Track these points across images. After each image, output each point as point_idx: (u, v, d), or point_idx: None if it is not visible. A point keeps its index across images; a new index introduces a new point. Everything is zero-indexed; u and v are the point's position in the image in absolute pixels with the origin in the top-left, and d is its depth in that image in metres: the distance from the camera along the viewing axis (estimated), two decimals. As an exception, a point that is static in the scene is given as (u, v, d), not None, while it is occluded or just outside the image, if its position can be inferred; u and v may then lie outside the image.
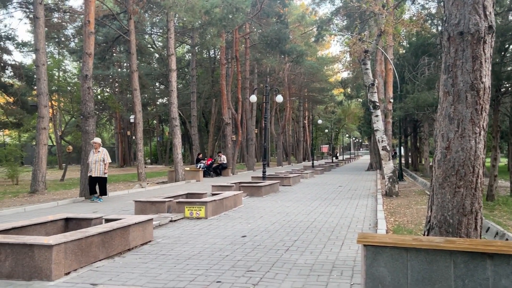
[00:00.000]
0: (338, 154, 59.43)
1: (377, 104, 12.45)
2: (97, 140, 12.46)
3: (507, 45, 11.78)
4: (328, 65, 44.67)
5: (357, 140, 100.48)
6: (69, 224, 6.70)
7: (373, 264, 3.68)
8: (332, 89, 49.16)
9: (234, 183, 13.96)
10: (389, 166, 12.37)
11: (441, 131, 4.55)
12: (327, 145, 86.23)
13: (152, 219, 6.69)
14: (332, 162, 41.30)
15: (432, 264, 3.53)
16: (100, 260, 5.39)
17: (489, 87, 4.43)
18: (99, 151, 12.14)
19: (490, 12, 4.34)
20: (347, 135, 76.22)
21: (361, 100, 36.33)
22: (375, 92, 12.41)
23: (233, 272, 4.77)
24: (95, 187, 12.23)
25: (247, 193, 13.02)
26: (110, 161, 12.56)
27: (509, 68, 11.59)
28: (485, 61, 4.39)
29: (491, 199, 11.98)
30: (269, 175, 18.02)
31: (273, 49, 28.60)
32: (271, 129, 42.45)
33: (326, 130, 56.56)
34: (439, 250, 3.51)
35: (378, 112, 12.41)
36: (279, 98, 16.82)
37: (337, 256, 5.47)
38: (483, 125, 4.39)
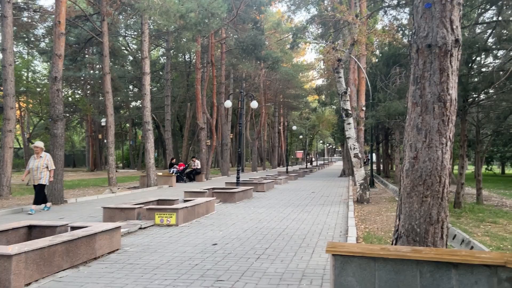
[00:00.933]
0: (312, 160, 59.93)
1: (350, 112, 12.63)
2: (39, 144, 11.16)
3: (474, 57, 12.16)
4: (303, 72, 45.16)
5: (330, 146, 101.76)
6: (32, 231, 6.45)
7: (341, 274, 3.68)
8: (307, 95, 49.69)
9: (207, 189, 13.84)
10: (360, 173, 12.53)
11: (409, 141, 4.62)
12: (302, 151, 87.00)
13: (120, 226, 6.52)
14: (306, 168, 41.63)
15: (399, 273, 3.56)
16: (63, 270, 5.20)
17: (455, 98, 4.55)
18: (41, 156, 10.97)
19: (457, 26, 4.45)
20: (321, 141, 77.09)
21: (335, 107, 36.81)
22: (347, 100, 12.58)
23: (202, 282, 4.68)
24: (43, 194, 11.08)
25: (220, 200, 12.93)
26: (54, 167, 11.35)
27: (475, 80, 11.97)
28: (452, 73, 4.50)
29: (458, 207, 12.30)
30: (243, 181, 17.97)
31: (249, 55, 28.68)
32: (246, 134, 42.48)
33: (301, 136, 57.00)
34: (406, 259, 3.54)
35: (351, 120, 12.58)
36: (254, 104, 16.84)
37: (307, 264, 5.46)
38: (449, 136, 4.48)
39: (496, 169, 54.18)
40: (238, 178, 15.99)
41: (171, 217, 8.71)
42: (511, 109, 13.20)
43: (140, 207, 9.28)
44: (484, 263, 3.37)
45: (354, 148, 12.52)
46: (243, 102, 17.03)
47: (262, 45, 27.33)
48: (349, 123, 12.57)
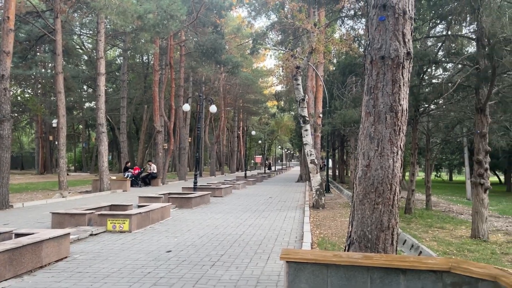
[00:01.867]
0: (271, 165, 60.37)
1: (307, 118, 12.84)
2: None
3: (425, 69, 12.73)
4: (263, 78, 45.50)
5: (289, 151, 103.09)
6: (-29, 239, 6.03)
7: (295, 281, 3.70)
8: (266, 101, 50.10)
9: (163, 194, 13.57)
10: (316, 179, 12.75)
11: (362, 149, 4.75)
12: (261, 156, 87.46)
13: (69, 233, 6.24)
14: (265, 173, 41.87)
15: (351, 279, 3.63)
16: (6, 280, 4.90)
17: (406, 109, 4.72)
18: None
19: (408, 39, 4.63)
20: (279, 147, 77.90)
21: (293, 113, 37.31)
22: (305, 107, 12.79)
23: (154, 291, 4.56)
24: None
25: (176, 205, 12.71)
26: None
27: (426, 90, 12.54)
28: (404, 84, 4.67)
29: (409, 212, 12.79)
30: (200, 185, 17.78)
31: (209, 59, 28.52)
32: (205, 139, 42.14)
33: (260, 141, 57.31)
34: (357, 266, 3.62)
35: (308, 126, 12.79)
36: (213, 108, 16.74)
37: (262, 271, 5.46)
38: (400, 145, 4.65)
39: (445, 176, 57.08)
40: (195, 183, 15.80)
41: (124, 223, 8.45)
42: (459, 119, 13.94)
43: (92, 212, 8.93)
44: (431, 269, 3.50)
45: (310, 154, 12.72)
46: (202, 106, 16.89)
47: (222, 49, 27.28)
48: (306, 130, 12.77)
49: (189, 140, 43.32)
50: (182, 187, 17.37)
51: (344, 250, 4.83)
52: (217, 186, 18.10)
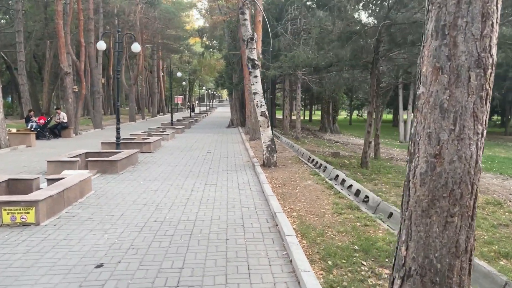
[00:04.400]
0: (194, 107, 57.34)
1: (256, 62, 10.74)
2: None
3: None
4: (185, 11, 41.34)
5: (211, 92, 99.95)
6: None
7: None
8: (188, 37, 46.15)
9: (79, 155, 10.96)
10: (267, 134, 11.00)
11: (427, 128, 2.93)
12: (182, 96, 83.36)
13: None
14: (191, 117, 39.32)
15: None
16: None
17: (495, 62, 2.97)
18: None
19: None
20: (203, 88, 74.59)
21: (215, 51, 34.35)
22: (254, 48, 10.63)
23: None
24: None
25: (98, 170, 10.25)
26: None
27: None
28: (497, 22, 2.88)
29: (365, 166, 11.75)
30: (124, 139, 15.20)
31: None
32: (121, 79, 37.81)
33: (184, 83, 53.76)
34: None
35: (257, 72, 10.73)
36: (136, 47, 13.75)
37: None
38: (486, 121, 2.93)
39: (365, 115, 59.25)
40: (118, 138, 13.22)
41: (28, 212, 6.04)
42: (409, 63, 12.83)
43: (-24, 199, 6.32)
44: None
45: (261, 105, 10.83)
46: (120, 44, 13.82)
47: (139, -26, 23.17)
48: (255, 76, 10.72)
49: (102, 82, 38.73)
50: (101, 143, 14.62)
51: (391, 287, 3.17)
52: (144, 139, 15.61)
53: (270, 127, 11.07)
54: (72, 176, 7.89)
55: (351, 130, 34.23)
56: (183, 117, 39.27)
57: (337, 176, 10.05)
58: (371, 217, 6.36)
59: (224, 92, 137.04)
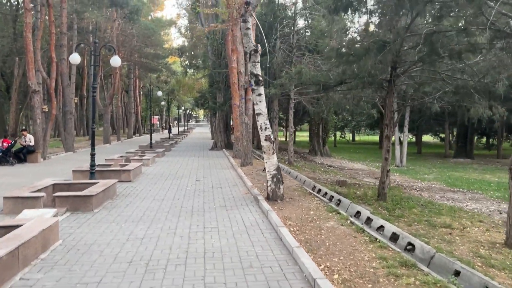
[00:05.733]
0: (171, 127, 55.08)
1: (261, 78, 9.17)
2: None
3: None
4: (165, 29, 39.79)
5: (188, 112, 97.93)
6: None
7: None
8: (168, 56, 44.44)
9: (45, 188, 9.01)
10: (272, 161, 9.35)
11: None
12: (157, 117, 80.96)
13: None
14: (170, 138, 37.28)
15: None
16: None
17: None
18: None
19: None
20: (182, 108, 72.62)
21: (205, 70, 32.75)
22: (258, 61, 9.08)
23: None
24: None
25: (68, 207, 8.32)
26: None
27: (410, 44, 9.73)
28: None
29: (383, 199, 10.21)
30: (99, 165, 13.26)
31: (101, -2, 22.47)
32: (96, 99, 35.60)
33: (163, 103, 51.70)
34: None
35: (261, 89, 9.14)
36: (116, 60, 11.98)
37: None
38: None
39: (348, 136, 58.43)
40: (92, 166, 11.29)
41: (-39, 286, 4.13)
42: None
43: None
44: None
45: (266, 129, 9.20)
46: (96, 58, 12.06)
47: (118, -14, 21.54)
48: (259, 94, 9.12)
49: (75, 101, 36.38)
50: (73, 170, 12.61)
51: None
52: (122, 166, 13.67)
53: (275, 154, 9.42)
54: (32, 223, 5.97)
55: (338, 152, 33.00)
56: (161, 138, 37.17)
57: (358, 213, 8.45)
58: (442, 281, 4.73)
59: (201, 112, 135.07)
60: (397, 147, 22.81)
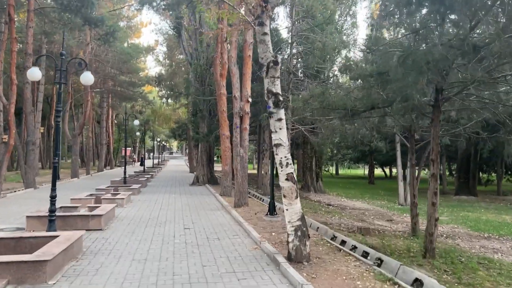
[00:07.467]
0: (144, 160, 51.64)
1: (281, 98, 7.02)
2: None
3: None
4: (142, 56, 37.66)
5: (162, 143, 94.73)
6: None
7: None
8: (144, 84, 42.06)
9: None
10: (295, 208, 7.06)
11: None
12: (129, 148, 77.43)
13: None
14: (144, 171, 34.36)
15: None
16: None
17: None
18: None
19: None
20: (157, 139, 69.66)
21: (188, 98, 30.37)
22: (277, 77, 6.96)
23: None
24: None
25: (10, 278, 5.70)
26: None
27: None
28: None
29: (431, 256, 8.01)
30: (61, 208, 10.60)
31: (74, 15, 20.08)
32: (64, 129, 32.52)
33: (138, 133, 48.85)
34: None
35: (282, 113, 6.96)
36: (87, 77, 9.55)
37: None
38: None
39: (332, 170, 56.72)
40: (52, 212, 8.66)
41: None
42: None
43: None
44: None
45: (287, 164, 6.95)
46: (64, 74, 9.68)
47: (92, 4, 19.32)
48: (279, 119, 6.92)
49: (41, 131, 33.24)
50: (27, 216, 9.84)
51: None
52: (91, 210, 11.00)
53: (298, 198, 7.13)
54: None
55: (327, 187, 30.86)
56: (135, 172, 34.20)
57: (417, 280, 6.21)
58: None
59: (175, 144, 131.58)
60: (400, 184, 20.93)
